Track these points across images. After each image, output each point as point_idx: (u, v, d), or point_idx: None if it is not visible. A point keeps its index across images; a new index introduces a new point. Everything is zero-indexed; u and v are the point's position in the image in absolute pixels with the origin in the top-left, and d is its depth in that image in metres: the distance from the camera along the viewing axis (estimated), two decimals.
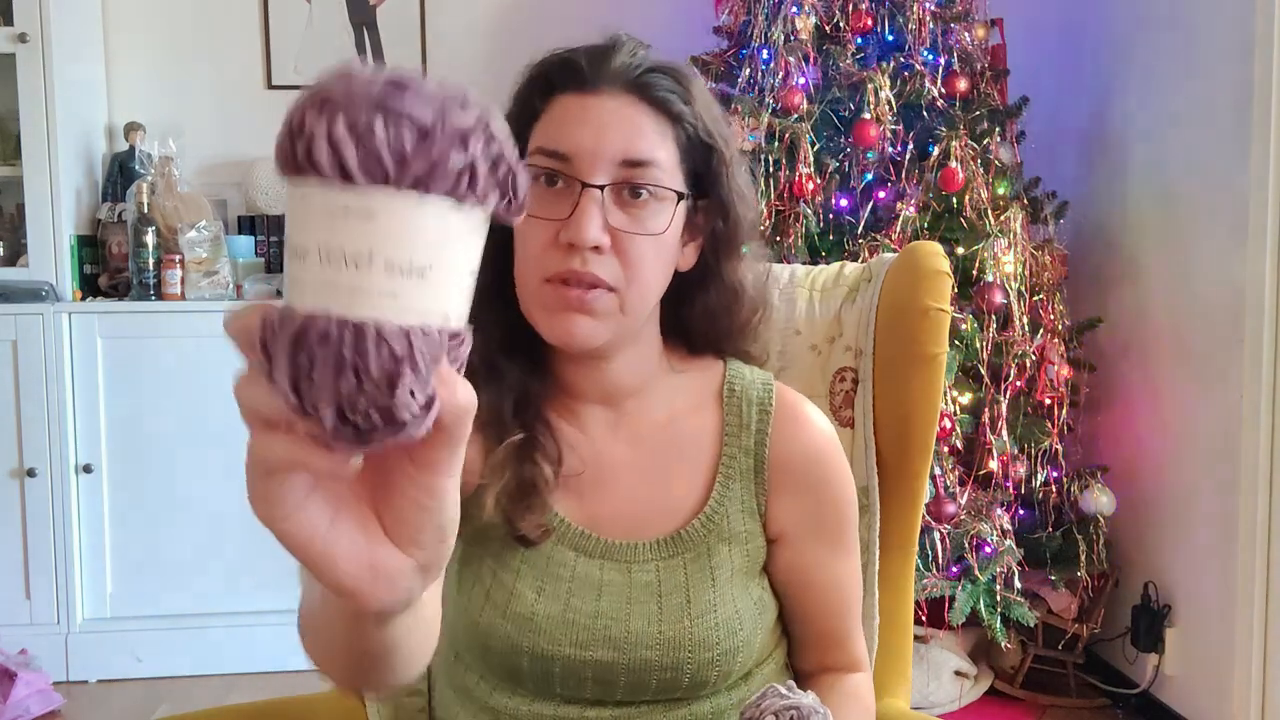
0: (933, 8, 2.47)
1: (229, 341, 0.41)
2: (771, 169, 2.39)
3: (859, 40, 2.48)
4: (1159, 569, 2.49)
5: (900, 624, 1.16)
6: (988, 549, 2.32)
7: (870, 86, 2.39)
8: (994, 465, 2.37)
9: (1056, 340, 2.47)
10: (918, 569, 1.28)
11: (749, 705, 0.80)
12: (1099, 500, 2.46)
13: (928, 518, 2.24)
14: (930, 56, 2.46)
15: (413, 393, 0.40)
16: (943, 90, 2.45)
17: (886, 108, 2.39)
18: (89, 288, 2.84)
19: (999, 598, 2.33)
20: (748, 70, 2.46)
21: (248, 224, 3.01)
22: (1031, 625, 2.42)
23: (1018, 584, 2.34)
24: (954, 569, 2.33)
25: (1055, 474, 2.48)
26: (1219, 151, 2.27)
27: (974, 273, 2.38)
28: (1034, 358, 2.42)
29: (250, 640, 2.73)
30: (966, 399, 2.40)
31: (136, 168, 2.88)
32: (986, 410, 2.38)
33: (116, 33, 3.04)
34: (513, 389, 0.90)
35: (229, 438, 2.76)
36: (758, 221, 0.96)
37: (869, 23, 2.45)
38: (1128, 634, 2.53)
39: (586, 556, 0.90)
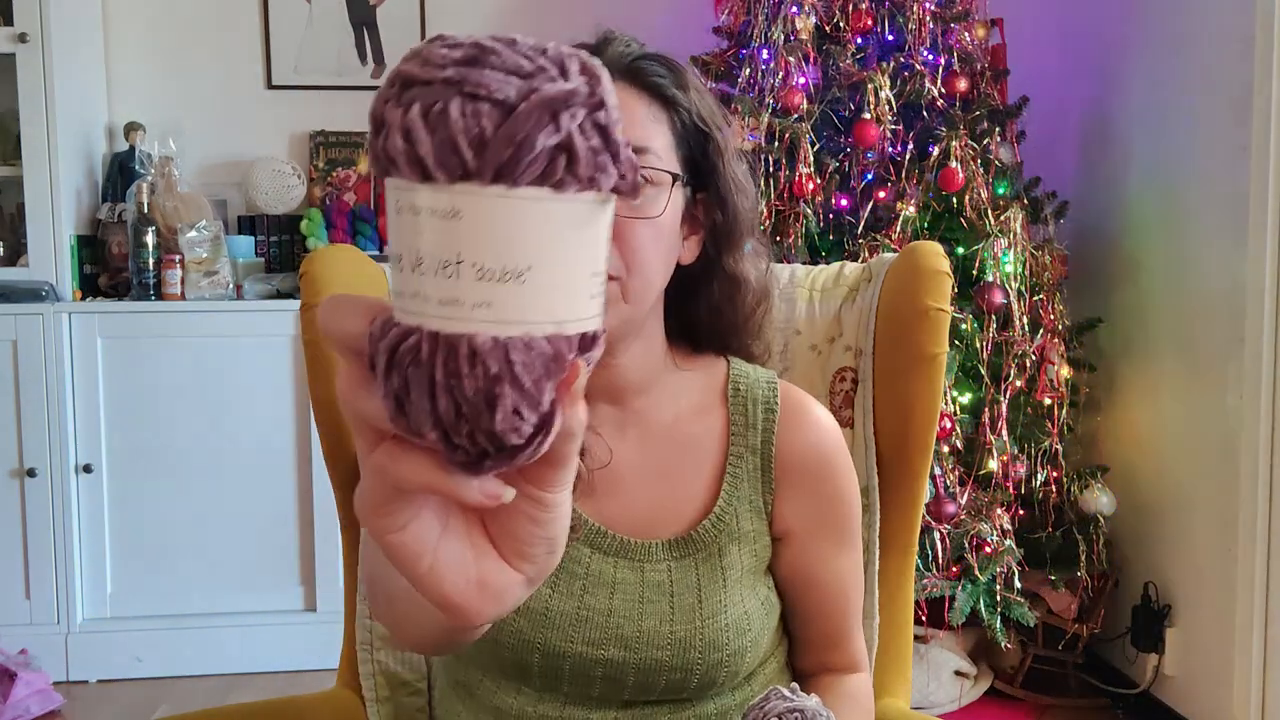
0: (933, 8, 2.47)
1: (331, 342, 0.38)
2: (771, 169, 2.39)
3: (859, 40, 2.48)
4: (1159, 569, 2.49)
5: (900, 624, 1.16)
6: (988, 549, 2.31)
7: (870, 86, 2.39)
8: (994, 465, 2.37)
9: (1056, 340, 2.47)
10: (918, 569, 1.28)
11: (752, 707, 0.80)
12: (1099, 500, 2.46)
13: (928, 518, 2.24)
14: (930, 56, 2.46)
15: (519, 412, 0.35)
16: (943, 90, 2.45)
17: (886, 108, 2.39)
18: (89, 288, 2.84)
19: (999, 598, 2.33)
20: (748, 70, 2.46)
21: (248, 224, 3.01)
22: (1031, 625, 2.42)
23: (1018, 584, 2.34)
24: (954, 569, 2.33)
25: (1055, 474, 2.47)
26: (1219, 151, 2.27)
27: (974, 273, 2.38)
28: (1034, 358, 2.42)
29: (250, 640, 2.73)
30: (966, 399, 2.40)
31: (136, 168, 2.88)
32: (986, 410, 2.38)
33: (116, 33, 3.04)
34: None
35: (229, 438, 2.77)
36: (756, 212, 0.96)
37: (869, 23, 2.45)
38: (1128, 634, 2.53)
39: (602, 554, 0.90)
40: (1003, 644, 2.38)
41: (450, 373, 0.34)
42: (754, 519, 0.94)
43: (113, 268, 2.86)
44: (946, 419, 2.28)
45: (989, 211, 2.39)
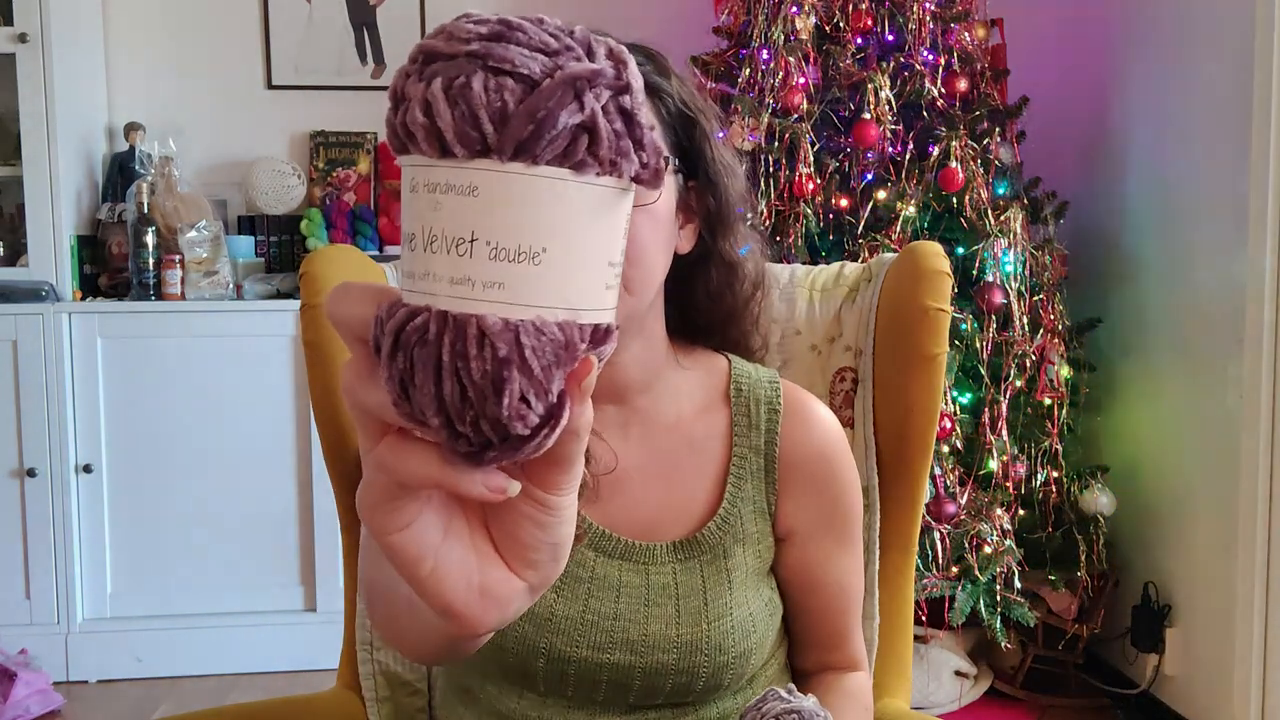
0: (933, 8, 2.47)
1: (334, 327, 0.37)
2: (771, 169, 2.39)
3: (859, 40, 2.48)
4: (1159, 569, 2.49)
5: (900, 624, 1.16)
6: (988, 549, 2.31)
7: (870, 86, 2.39)
8: (994, 465, 2.37)
9: (1056, 340, 2.47)
10: (918, 569, 1.28)
11: (749, 709, 0.80)
12: (1099, 500, 2.46)
13: (928, 518, 2.23)
14: (930, 56, 2.46)
15: (526, 400, 0.34)
16: (943, 90, 2.45)
17: (886, 108, 2.39)
18: (89, 288, 2.84)
19: (999, 598, 2.33)
20: (748, 70, 2.46)
21: (248, 224, 3.01)
22: (1031, 625, 2.42)
23: (1018, 584, 2.34)
24: (954, 569, 2.33)
25: (1055, 474, 2.47)
26: (1219, 151, 2.27)
27: (974, 273, 2.38)
28: (1034, 358, 2.42)
29: (250, 640, 2.73)
30: (966, 399, 2.40)
31: (136, 168, 2.88)
32: (986, 410, 2.38)
33: (116, 33, 3.04)
34: None
35: (229, 437, 2.77)
36: (747, 195, 0.96)
37: (869, 23, 2.45)
38: (1128, 634, 2.53)
39: (606, 557, 0.90)
40: (1003, 644, 2.38)
41: (457, 354, 0.33)
42: (758, 520, 0.93)
43: (113, 268, 2.87)
44: (946, 419, 2.28)
45: (989, 211, 2.39)
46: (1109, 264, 2.72)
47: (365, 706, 1.10)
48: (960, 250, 2.41)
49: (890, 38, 2.49)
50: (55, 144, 2.70)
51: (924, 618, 2.38)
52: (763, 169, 2.38)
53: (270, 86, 3.11)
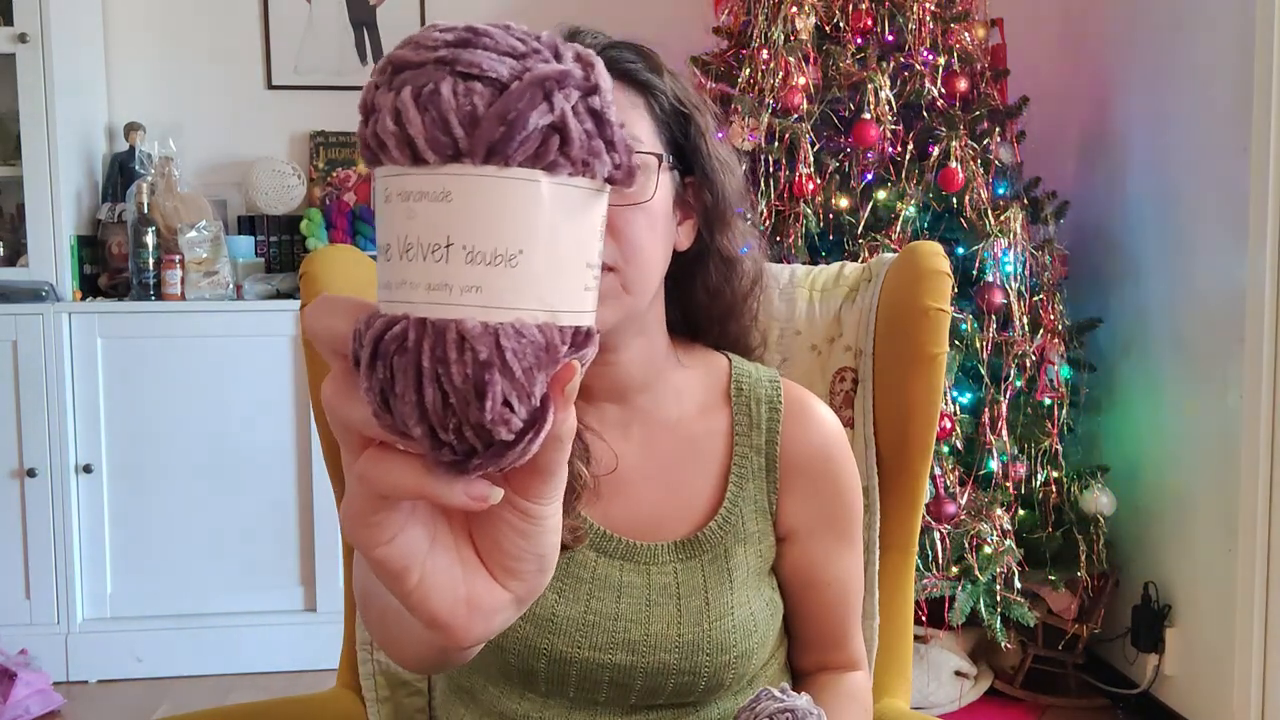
0: (933, 8, 2.47)
1: (313, 343, 0.36)
2: (771, 169, 2.39)
3: (859, 40, 2.48)
4: (1159, 569, 2.49)
5: (900, 624, 1.16)
6: (988, 549, 2.31)
7: (870, 86, 2.39)
8: (994, 465, 2.37)
9: (1056, 340, 2.47)
10: (918, 569, 1.28)
11: (744, 709, 0.80)
12: (1099, 500, 2.46)
13: (928, 518, 2.23)
14: (930, 56, 2.46)
15: (509, 404, 0.33)
16: (943, 90, 2.45)
17: (886, 108, 2.39)
18: (89, 288, 2.84)
19: (999, 598, 2.33)
20: (748, 70, 2.46)
21: (248, 224, 3.01)
22: (1031, 625, 2.42)
23: (1018, 584, 2.34)
24: (954, 569, 2.33)
25: (1055, 474, 2.47)
26: (1219, 151, 2.27)
27: (974, 273, 2.38)
28: (1034, 358, 2.42)
29: (250, 640, 2.73)
30: (966, 399, 2.40)
31: (136, 168, 2.88)
32: (986, 410, 2.38)
33: (116, 33, 3.04)
34: None
35: (229, 438, 2.76)
36: (743, 188, 0.95)
37: (869, 23, 2.45)
38: (1128, 634, 2.53)
39: (607, 558, 0.90)
40: (1003, 644, 2.38)
41: (438, 359, 0.33)
42: (759, 519, 0.93)
43: (113, 268, 2.87)
44: (946, 419, 2.28)
45: (989, 211, 2.39)
46: (1109, 264, 2.72)
47: (365, 706, 1.10)
48: (960, 250, 2.41)
49: (890, 38, 2.49)
50: (55, 144, 2.70)
51: (924, 618, 2.38)
52: (763, 169, 2.38)
53: (270, 86, 3.11)
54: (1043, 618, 2.50)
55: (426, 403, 0.33)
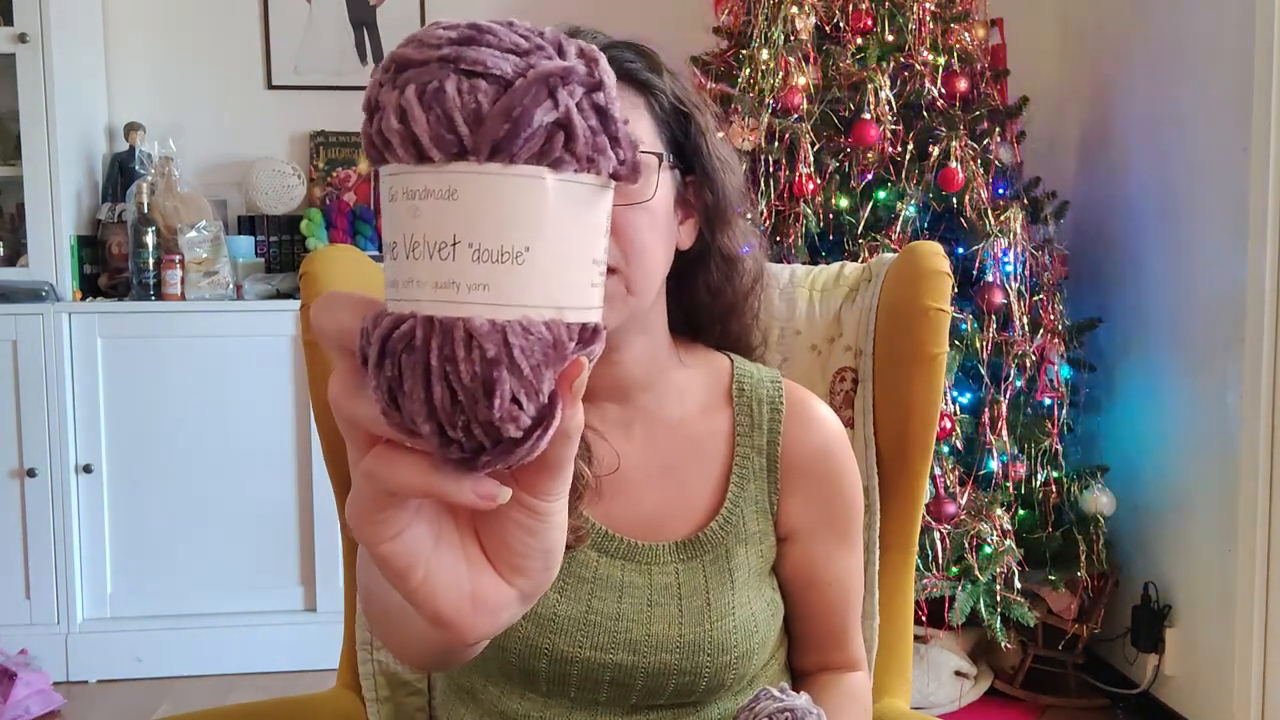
0: (933, 8, 2.47)
1: (319, 339, 0.36)
2: (771, 169, 2.39)
3: (859, 40, 2.48)
4: (1159, 569, 2.49)
5: (900, 624, 1.16)
6: (988, 549, 2.32)
7: (870, 86, 2.39)
8: (994, 465, 2.37)
9: (1056, 340, 2.47)
10: (918, 569, 1.28)
11: (743, 709, 0.80)
12: (1099, 500, 2.46)
13: (928, 518, 2.23)
14: (930, 56, 2.46)
15: (518, 401, 0.33)
16: (943, 90, 2.45)
17: (886, 108, 2.39)
18: (89, 288, 2.84)
19: (999, 598, 2.33)
20: (748, 70, 2.46)
21: (248, 224, 3.01)
22: (1031, 625, 2.42)
23: (1018, 584, 2.34)
24: (954, 569, 2.33)
25: (1055, 474, 2.48)
26: (1219, 151, 2.27)
27: (974, 273, 2.38)
28: (1034, 358, 2.42)
29: (250, 640, 2.73)
30: (966, 399, 2.40)
31: (136, 168, 2.88)
32: (986, 410, 2.38)
33: (116, 33, 3.04)
34: None
35: (229, 438, 2.76)
36: (744, 189, 0.96)
37: (869, 23, 2.45)
38: (1128, 634, 2.53)
39: (609, 557, 0.90)
40: (1003, 644, 2.38)
41: (446, 358, 0.33)
42: (760, 520, 0.93)
43: (113, 268, 2.87)
44: (946, 419, 2.28)
45: (989, 211, 2.39)
46: (1109, 264, 2.72)
47: (365, 706, 1.10)
48: (960, 250, 2.41)
49: (890, 38, 2.49)
50: (55, 144, 2.70)
51: (924, 618, 2.38)
52: (763, 169, 2.38)
53: (270, 86, 3.11)
54: (1043, 618, 2.50)
55: (435, 401, 0.33)
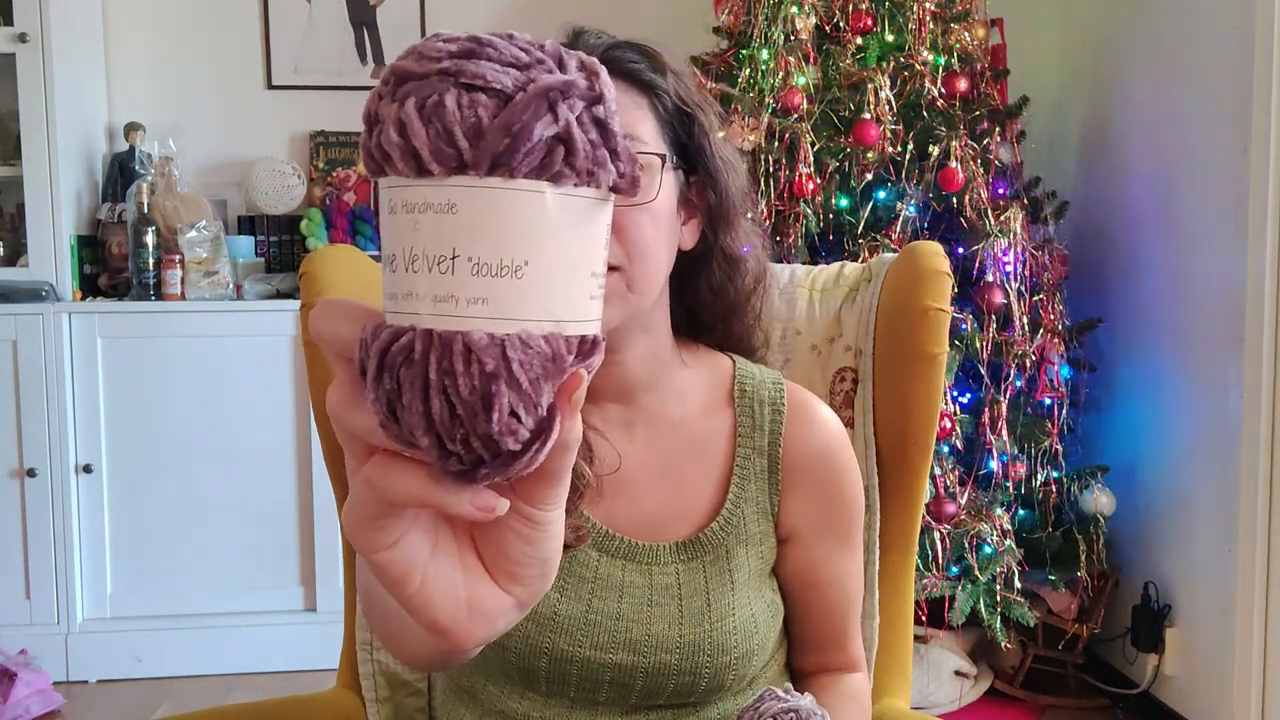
0: (933, 8, 2.47)
1: (318, 345, 0.37)
2: (771, 169, 2.39)
3: (859, 40, 2.48)
4: (1159, 569, 2.49)
5: (900, 624, 1.16)
6: (988, 549, 2.32)
7: (870, 86, 2.38)
8: (994, 465, 2.37)
9: (1056, 340, 2.47)
10: (918, 569, 1.28)
11: (746, 709, 0.80)
12: (1099, 500, 2.46)
13: (928, 518, 2.23)
14: (930, 56, 2.46)
15: (516, 414, 0.33)
16: (943, 90, 2.45)
17: (886, 108, 2.39)
18: (89, 288, 2.84)
19: (999, 598, 2.33)
20: (748, 70, 2.46)
21: (248, 224, 3.01)
22: (1031, 625, 2.42)
23: (1018, 584, 2.34)
24: (954, 569, 2.33)
25: (1055, 474, 2.48)
26: (1219, 151, 2.27)
27: (974, 273, 2.38)
28: (1034, 358, 2.42)
29: (250, 640, 2.73)
30: (966, 399, 2.40)
31: (136, 168, 2.88)
32: (986, 410, 2.38)
33: (116, 33, 3.04)
34: None
35: (229, 438, 2.76)
36: (747, 189, 0.96)
37: (869, 23, 2.45)
38: (1128, 634, 2.53)
39: (610, 557, 0.90)
40: (1003, 644, 2.38)
41: (444, 371, 0.33)
42: (761, 521, 0.93)
43: (113, 268, 2.87)
44: (946, 419, 2.28)
45: (989, 211, 2.39)
46: (1109, 264, 2.72)
47: (365, 706, 1.10)
48: (960, 250, 2.41)
49: (890, 38, 2.49)
50: (55, 144, 2.70)
51: (924, 618, 2.38)
52: (763, 169, 2.38)
53: (270, 86, 3.11)
54: (1043, 618, 2.50)
55: (433, 414, 0.33)
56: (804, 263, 1.61)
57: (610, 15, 2.66)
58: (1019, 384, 2.41)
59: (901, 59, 2.46)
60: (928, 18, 2.46)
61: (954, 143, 2.37)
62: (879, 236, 2.36)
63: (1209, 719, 2.31)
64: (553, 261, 0.34)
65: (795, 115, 2.40)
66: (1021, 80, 2.67)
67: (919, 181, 2.41)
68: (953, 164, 2.36)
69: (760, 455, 0.94)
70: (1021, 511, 2.49)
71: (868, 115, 2.38)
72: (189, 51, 3.08)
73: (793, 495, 0.94)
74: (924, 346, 1.10)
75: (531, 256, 0.33)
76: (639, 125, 0.85)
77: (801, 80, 2.41)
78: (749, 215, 0.96)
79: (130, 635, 2.70)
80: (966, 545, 2.31)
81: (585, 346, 0.35)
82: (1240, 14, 2.18)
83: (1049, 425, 2.44)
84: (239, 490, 2.72)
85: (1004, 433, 2.37)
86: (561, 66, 0.34)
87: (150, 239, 2.75)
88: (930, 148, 2.41)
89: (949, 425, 2.29)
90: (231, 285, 2.79)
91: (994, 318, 2.38)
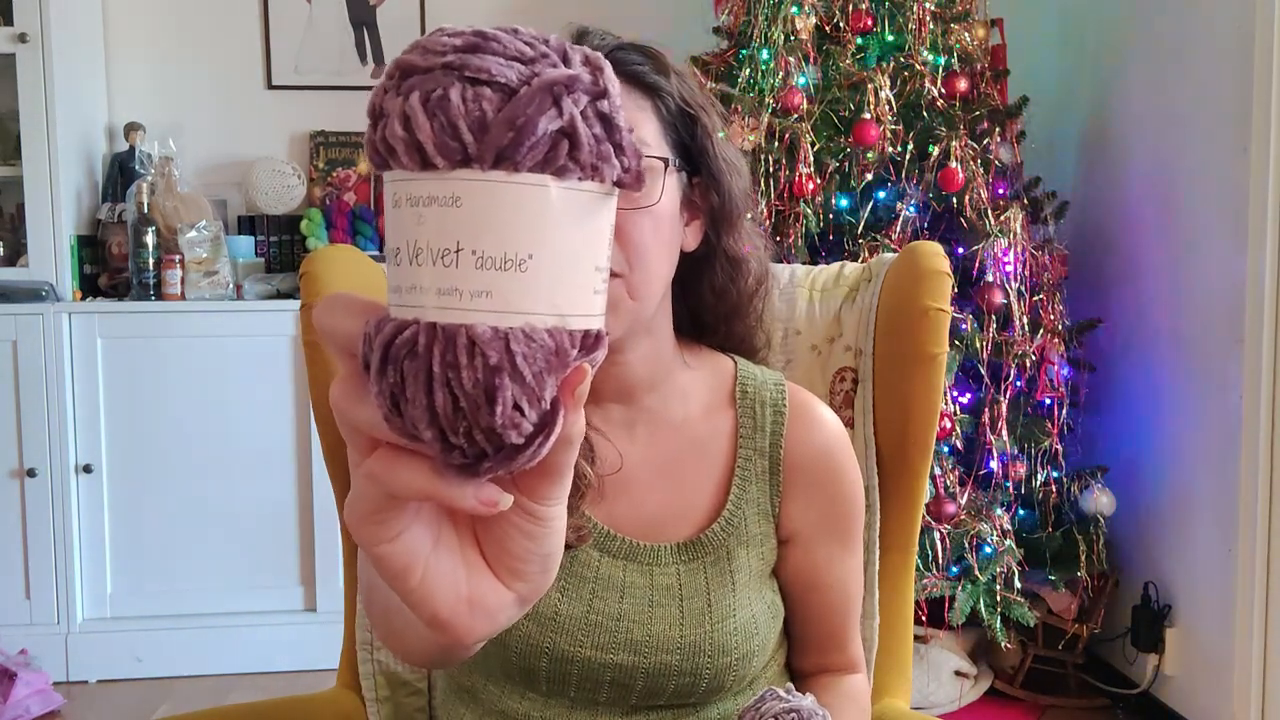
0: (933, 8, 2.47)
1: (321, 340, 0.36)
2: (771, 169, 2.39)
3: (859, 40, 2.48)
4: (1159, 569, 2.49)
5: (900, 624, 1.16)
6: (988, 549, 2.32)
7: (870, 86, 2.38)
8: (994, 465, 2.37)
9: (1056, 340, 2.47)
10: (918, 569, 1.28)
11: (748, 709, 0.80)
12: (1099, 500, 2.46)
13: (928, 518, 2.23)
14: (930, 56, 2.46)
15: (520, 408, 0.34)
16: (943, 90, 2.45)
17: (886, 108, 2.39)
18: (89, 288, 2.84)
19: (999, 598, 2.33)
20: (748, 70, 2.46)
21: (248, 224, 3.01)
22: (1031, 625, 2.42)
23: (1018, 584, 2.34)
24: (954, 569, 2.33)
25: (1055, 474, 2.48)
26: (1219, 151, 2.27)
27: (974, 273, 2.38)
28: (1034, 358, 2.42)
29: (250, 640, 2.73)
30: (966, 399, 2.40)
31: (136, 168, 2.88)
32: (986, 410, 2.38)
33: (116, 33, 3.04)
34: None
35: (229, 438, 2.76)
36: (750, 191, 0.96)
37: (869, 23, 2.45)
38: (1128, 634, 2.53)
39: (611, 557, 0.90)
40: (1003, 644, 2.38)
41: (448, 364, 0.33)
42: (762, 522, 0.93)
43: (113, 268, 2.87)
44: (946, 419, 2.28)
45: (989, 211, 2.39)
46: (1109, 264, 2.72)
47: (365, 706, 1.10)
48: (960, 250, 2.41)
49: (890, 38, 2.49)
50: (55, 144, 2.70)
51: (924, 618, 2.38)
52: (763, 169, 2.38)
53: (270, 86, 3.11)
54: (1043, 618, 2.50)
55: (437, 407, 0.33)
56: (804, 263, 1.60)
57: (610, 15, 2.66)
58: (1019, 384, 2.41)
59: (901, 59, 2.46)
60: (928, 18, 2.46)
61: (954, 143, 2.37)
62: (879, 236, 2.36)
63: (1209, 719, 2.31)
64: (557, 255, 0.34)
65: (795, 115, 2.40)
66: (1021, 80, 2.67)
67: (919, 181, 2.41)
68: (953, 164, 2.36)
69: (761, 456, 0.94)
70: (1021, 511, 2.49)
71: (868, 115, 2.38)
72: (189, 51, 3.08)
73: (794, 496, 0.94)
74: (924, 346, 1.10)
75: (535, 250, 0.33)
76: (642, 127, 0.85)
77: (801, 80, 2.41)
78: (749, 216, 0.96)
79: (130, 635, 2.70)
80: (966, 545, 2.31)
81: (589, 341, 0.35)
82: (1240, 14, 2.18)
83: (1049, 425, 2.44)
84: (239, 490, 2.72)
85: (1004, 433, 2.38)
86: (566, 61, 0.34)
87: (150, 239, 2.75)
88: (930, 148, 2.41)
89: (949, 425, 2.29)
90: (231, 285, 2.79)
91: (994, 318, 2.38)
